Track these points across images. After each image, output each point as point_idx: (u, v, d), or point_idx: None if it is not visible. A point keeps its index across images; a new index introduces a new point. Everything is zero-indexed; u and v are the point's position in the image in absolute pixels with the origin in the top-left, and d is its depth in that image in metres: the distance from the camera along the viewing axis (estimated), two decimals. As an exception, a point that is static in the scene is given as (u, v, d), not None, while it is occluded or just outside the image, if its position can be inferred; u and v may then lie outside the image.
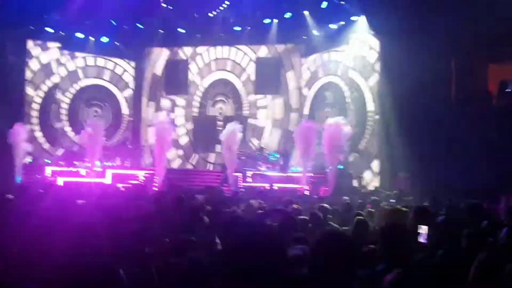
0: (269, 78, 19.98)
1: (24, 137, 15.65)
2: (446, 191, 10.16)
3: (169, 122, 16.24)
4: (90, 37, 19.59)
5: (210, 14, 19.18)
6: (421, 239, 4.27)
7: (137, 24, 19.37)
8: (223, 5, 18.42)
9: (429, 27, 12.99)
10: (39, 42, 19.01)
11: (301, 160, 15.15)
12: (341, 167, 15.96)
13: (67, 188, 11.38)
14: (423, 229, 4.30)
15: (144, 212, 5.73)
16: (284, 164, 16.81)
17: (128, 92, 21.53)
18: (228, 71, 20.74)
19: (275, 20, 18.56)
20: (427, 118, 13.49)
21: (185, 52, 21.12)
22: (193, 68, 21.12)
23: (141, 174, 16.69)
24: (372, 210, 7.81)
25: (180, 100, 21.27)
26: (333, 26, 17.40)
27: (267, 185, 14.88)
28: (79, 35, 19.27)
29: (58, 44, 19.37)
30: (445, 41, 13.19)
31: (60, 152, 18.81)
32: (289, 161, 17.14)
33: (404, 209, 5.85)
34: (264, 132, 20.11)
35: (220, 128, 18.71)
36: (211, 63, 20.97)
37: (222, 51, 20.74)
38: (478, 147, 12.16)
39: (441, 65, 13.63)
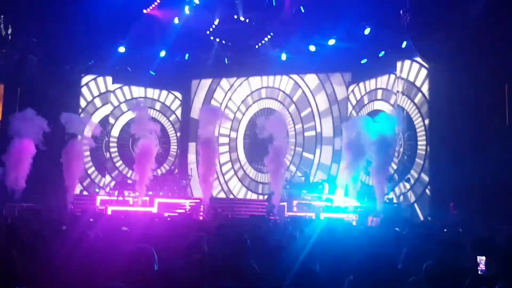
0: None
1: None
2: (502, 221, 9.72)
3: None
4: (140, 70, 20.29)
5: (256, 46, 19.52)
6: (480, 270, 4.05)
7: (185, 57, 19.89)
8: (269, 36, 18.66)
9: (480, 52, 12.66)
10: (92, 75, 19.85)
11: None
12: (390, 197, 15.53)
13: (115, 217, 11.58)
14: (482, 259, 4.09)
15: (190, 240, 5.72)
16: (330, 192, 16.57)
17: (176, 122, 21.99)
18: (277, 100, 20.90)
19: (320, 49, 18.61)
20: (479, 146, 13.03)
21: (229, 82, 21.51)
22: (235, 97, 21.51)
23: (187, 203, 16.81)
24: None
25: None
26: (380, 54, 17.23)
27: (312, 215, 14.65)
28: (129, 68, 19.99)
29: (110, 77, 20.15)
30: (497, 66, 12.81)
31: (111, 183, 19.29)
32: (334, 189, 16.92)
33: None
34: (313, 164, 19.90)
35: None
36: (260, 91, 21.22)
37: (273, 80, 20.96)
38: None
39: (493, 91, 13.21)
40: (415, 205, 15.70)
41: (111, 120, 20.62)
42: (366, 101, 18.35)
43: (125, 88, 21.00)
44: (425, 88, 15.81)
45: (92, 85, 20.09)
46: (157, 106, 21.74)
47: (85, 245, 4.78)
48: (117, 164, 20.64)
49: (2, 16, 17.20)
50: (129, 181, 18.33)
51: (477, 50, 13.04)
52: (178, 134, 22.03)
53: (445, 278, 3.18)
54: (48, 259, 4.14)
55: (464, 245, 4.94)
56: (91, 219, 9.00)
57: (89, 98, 19.99)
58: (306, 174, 18.20)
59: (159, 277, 3.85)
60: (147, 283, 3.66)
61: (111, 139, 20.57)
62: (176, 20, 18.45)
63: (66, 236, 6.26)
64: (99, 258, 4.32)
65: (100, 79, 20.14)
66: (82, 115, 19.50)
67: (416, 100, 16.14)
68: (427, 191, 15.54)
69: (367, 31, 16.71)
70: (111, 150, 20.60)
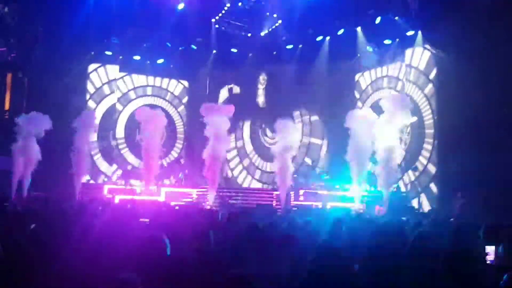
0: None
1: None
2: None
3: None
4: (147, 60, 20.27)
5: (262, 34, 19.40)
6: (489, 260, 4.04)
7: (192, 46, 19.85)
8: (276, 24, 18.58)
9: (490, 40, 12.50)
10: (99, 64, 19.86)
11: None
12: (396, 186, 15.49)
13: (122, 206, 11.61)
14: (490, 249, 4.07)
15: (198, 229, 5.73)
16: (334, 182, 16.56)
17: (182, 111, 21.95)
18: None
19: (327, 38, 18.48)
20: (488, 137, 12.93)
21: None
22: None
23: (194, 192, 16.81)
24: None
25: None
26: (387, 42, 17.11)
27: (319, 204, 14.65)
28: (136, 57, 19.98)
29: (116, 66, 20.15)
30: (508, 54, 12.64)
31: (118, 171, 19.34)
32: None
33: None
34: (321, 150, 19.91)
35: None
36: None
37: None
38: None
39: (503, 81, 13.05)
40: (422, 195, 15.66)
41: (119, 107, 20.60)
42: (371, 90, 18.25)
43: (134, 76, 20.97)
44: (433, 76, 15.70)
45: (100, 73, 20.10)
46: (162, 94, 21.69)
47: (93, 234, 4.80)
48: (122, 151, 20.62)
49: (8, 7, 17.22)
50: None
51: (487, 38, 12.89)
52: (185, 118, 21.98)
53: (457, 267, 3.17)
54: (57, 248, 4.17)
55: (473, 235, 4.92)
56: (100, 207, 9.03)
57: (98, 84, 20.03)
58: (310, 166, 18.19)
59: (168, 265, 3.87)
60: (157, 271, 3.68)
61: (119, 124, 20.59)
62: (180, 6, 18.38)
63: (75, 224, 6.29)
64: (108, 246, 4.34)
65: (108, 67, 20.13)
66: (89, 103, 19.60)
67: (424, 88, 16.05)
68: (434, 181, 15.49)
69: (377, 19, 16.57)
70: (118, 139, 20.59)
